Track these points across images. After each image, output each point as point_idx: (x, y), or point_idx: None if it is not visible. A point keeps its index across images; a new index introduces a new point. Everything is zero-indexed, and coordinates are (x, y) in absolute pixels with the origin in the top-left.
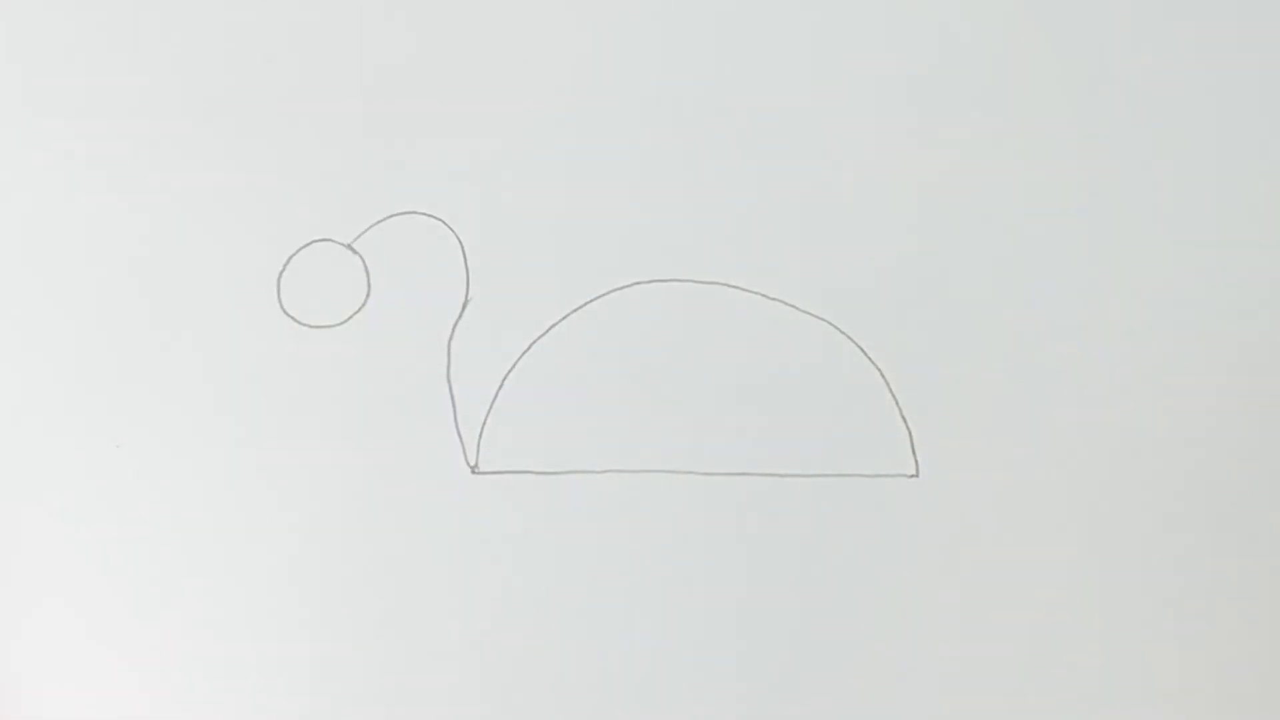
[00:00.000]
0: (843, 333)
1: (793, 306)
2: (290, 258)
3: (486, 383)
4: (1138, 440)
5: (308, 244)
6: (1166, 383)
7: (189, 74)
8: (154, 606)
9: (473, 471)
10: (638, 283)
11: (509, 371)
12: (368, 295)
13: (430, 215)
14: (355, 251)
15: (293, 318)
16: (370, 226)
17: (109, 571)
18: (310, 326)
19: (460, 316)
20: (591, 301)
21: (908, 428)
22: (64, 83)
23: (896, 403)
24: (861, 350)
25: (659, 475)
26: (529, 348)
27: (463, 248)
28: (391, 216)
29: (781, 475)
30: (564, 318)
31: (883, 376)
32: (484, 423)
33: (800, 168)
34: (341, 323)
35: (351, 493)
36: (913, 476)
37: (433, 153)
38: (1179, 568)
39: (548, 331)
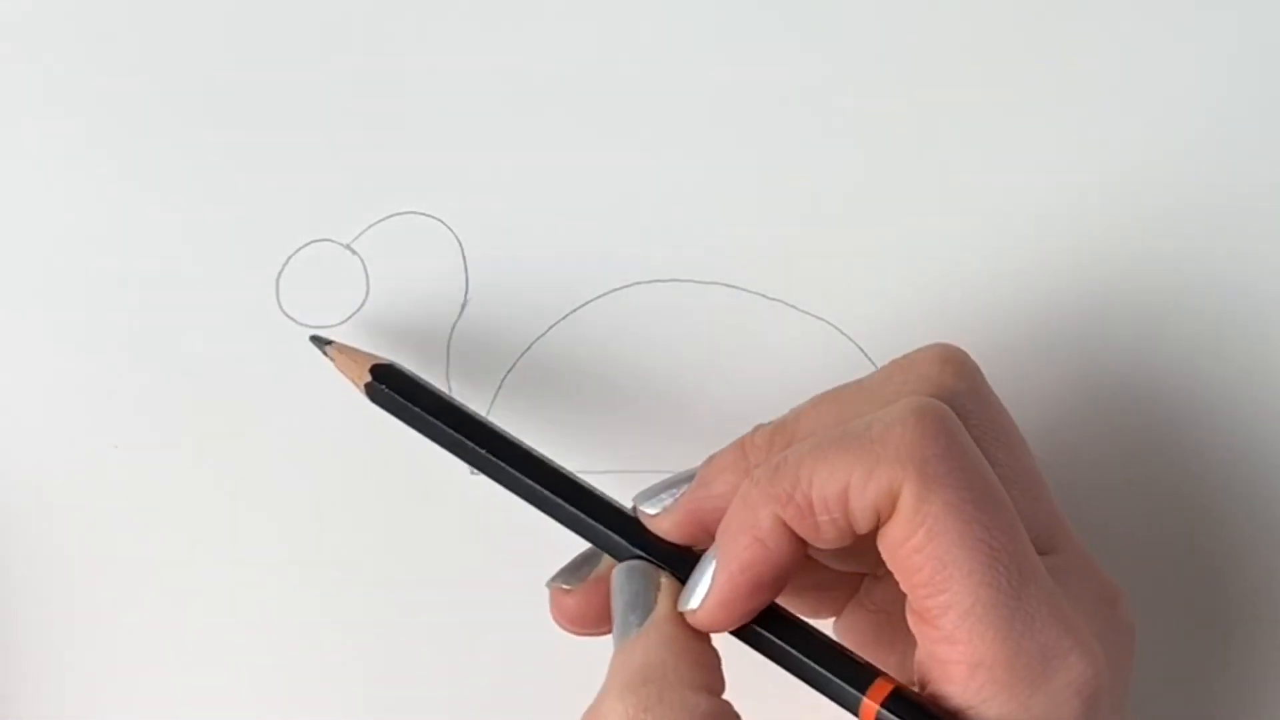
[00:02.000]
0: (843, 333)
1: (793, 306)
2: (289, 258)
3: (486, 383)
4: (1141, 441)
5: (307, 244)
6: (1171, 384)
7: (188, 73)
8: (151, 606)
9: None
10: (637, 283)
11: (509, 371)
12: (367, 295)
13: (430, 215)
14: (354, 251)
15: (292, 318)
16: (370, 226)
17: (106, 571)
18: (309, 326)
19: (460, 316)
20: (591, 301)
21: None
22: (62, 81)
23: None
24: (861, 350)
25: (659, 475)
26: (529, 348)
27: (462, 248)
28: (391, 216)
29: None
30: (564, 318)
31: None
32: None
33: (801, 167)
34: (341, 323)
35: (350, 492)
36: None
37: (433, 153)
38: (1181, 568)
39: (548, 331)
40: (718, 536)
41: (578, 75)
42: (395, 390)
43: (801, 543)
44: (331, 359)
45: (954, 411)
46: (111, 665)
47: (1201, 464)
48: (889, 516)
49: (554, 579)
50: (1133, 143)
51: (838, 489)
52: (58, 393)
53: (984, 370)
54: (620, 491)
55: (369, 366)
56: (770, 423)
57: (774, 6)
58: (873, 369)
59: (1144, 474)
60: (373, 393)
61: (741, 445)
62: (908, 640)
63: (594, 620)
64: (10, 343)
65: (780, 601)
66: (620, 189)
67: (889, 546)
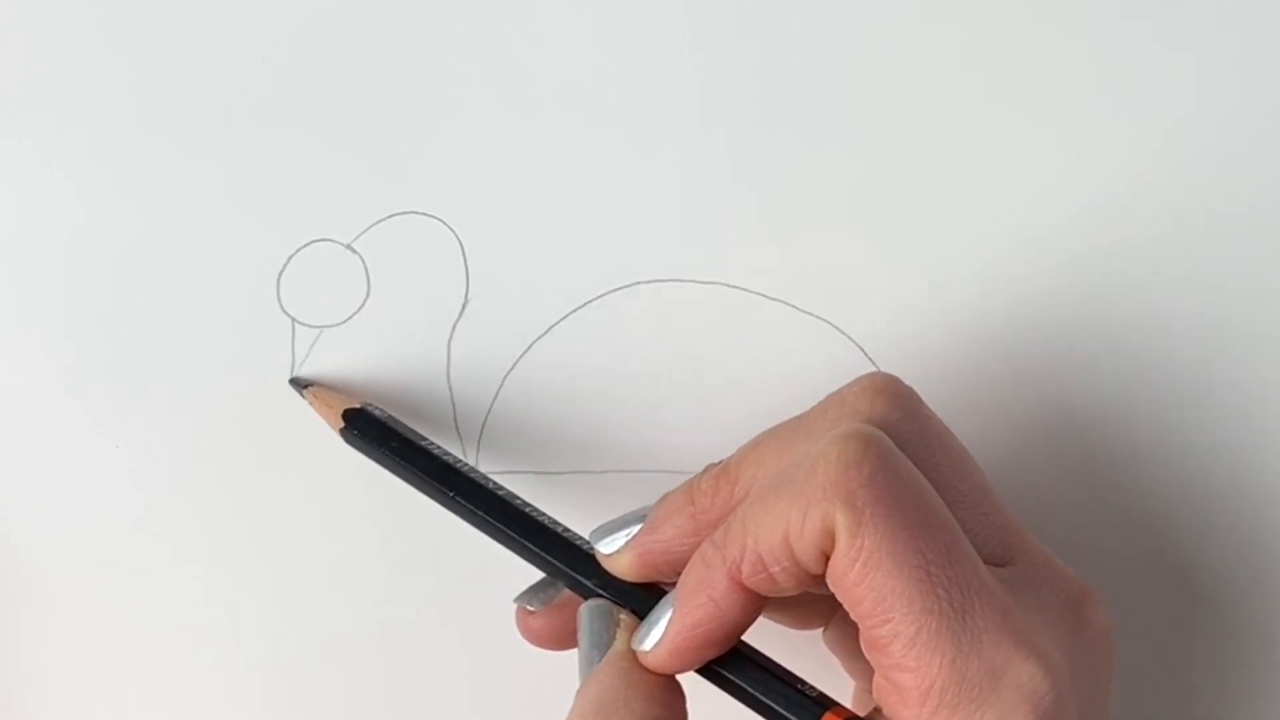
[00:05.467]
0: (843, 333)
1: (793, 306)
2: (289, 257)
3: (486, 383)
4: (1141, 442)
5: (307, 244)
6: (1171, 386)
7: (188, 73)
8: (151, 607)
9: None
10: (638, 282)
11: (509, 371)
12: (367, 295)
13: (430, 215)
14: (355, 251)
15: (292, 317)
16: (370, 226)
17: (107, 571)
18: (310, 326)
19: (460, 316)
20: (591, 301)
21: None
22: (62, 81)
23: None
24: (861, 350)
25: (659, 475)
26: (529, 348)
27: (463, 248)
28: (391, 216)
29: None
30: (564, 317)
31: None
32: (484, 423)
33: (801, 167)
34: (341, 323)
35: (350, 492)
36: None
37: (433, 153)
38: (1182, 569)
39: (548, 331)
40: (677, 589)
41: (578, 75)
42: (363, 435)
43: (759, 600)
44: (309, 403)
45: (891, 440)
46: (112, 665)
47: (1181, 470)
48: (828, 551)
49: (520, 598)
50: (1135, 148)
51: (780, 538)
52: (59, 393)
53: (982, 371)
54: (619, 492)
55: (341, 410)
56: (718, 463)
57: (774, 8)
58: (873, 369)
59: (1142, 468)
60: (346, 436)
61: (690, 489)
62: None
63: (556, 640)
64: (11, 343)
65: (767, 617)
66: (620, 189)
67: (833, 581)
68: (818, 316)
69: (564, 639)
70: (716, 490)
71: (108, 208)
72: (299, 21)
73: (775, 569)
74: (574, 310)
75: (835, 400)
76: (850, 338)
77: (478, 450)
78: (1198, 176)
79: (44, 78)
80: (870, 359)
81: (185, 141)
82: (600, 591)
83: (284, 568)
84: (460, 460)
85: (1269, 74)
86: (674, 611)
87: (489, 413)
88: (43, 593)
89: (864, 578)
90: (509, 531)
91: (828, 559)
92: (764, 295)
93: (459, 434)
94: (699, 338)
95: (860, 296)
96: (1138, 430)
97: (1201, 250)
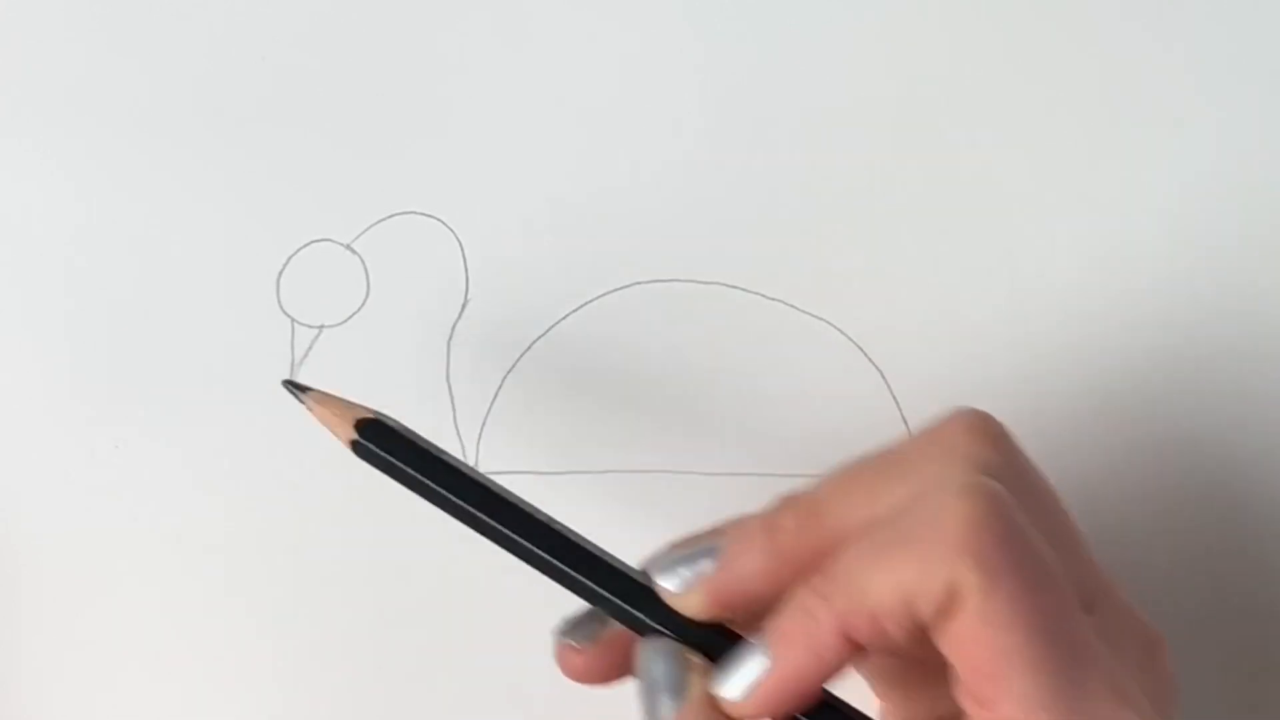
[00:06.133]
0: (843, 333)
1: (793, 306)
2: (289, 258)
3: (486, 383)
4: (1140, 441)
5: (307, 244)
6: (1171, 387)
7: (188, 73)
8: (151, 607)
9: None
10: (638, 283)
11: (509, 371)
12: (367, 295)
13: (430, 215)
14: (355, 251)
15: (292, 317)
16: (370, 226)
17: (107, 570)
18: (310, 326)
19: (460, 316)
20: (591, 301)
21: (908, 428)
22: (62, 81)
23: (897, 403)
24: (861, 350)
25: (659, 475)
26: (529, 348)
27: (462, 248)
28: (391, 216)
29: (781, 475)
30: (564, 318)
31: (883, 377)
32: (484, 423)
33: (801, 167)
34: (341, 323)
35: (351, 493)
36: None
37: (433, 153)
38: (1183, 570)
39: (548, 331)
40: (770, 635)
41: (578, 75)
42: (381, 448)
43: (863, 652)
44: (310, 409)
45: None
46: (111, 665)
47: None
48: (951, 610)
49: (564, 634)
50: (1135, 148)
51: (898, 596)
52: (59, 392)
53: (982, 370)
54: (619, 492)
55: (354, 421)
56: (793, 496)
57: (774, 8)
58: (872, 369)
59: (1142, 468)
60: (358, 449)
61: (769, 525)
62: (926, 683)
63: (600, 676)
64: (11, 343)
65: None
66: (620, 189)
67: (949, 639)
68: (818, 316)
69: (608, 673)
70: (802, 528)
71: (107, 207)
72: (299, 21)
73: (890, 625)
74: (574, 310)
75: (930, 438)
76: (850, 338)
77: (477, 450)
78: (1197, 176)
79: (44, 78)
80: (870, 359)
81: (185, 141)
82: (661, 629)
83: (284, 568)
84: (490, 479)
85: (1269, 74)
86: (771, 660)
87: (489, 413)
88: (43, 593)
89: (988, 637)
90: (557, 563)
91: (943, 617)
92: (764, 295)
93: (459, 434)
94: (699, 338)
95: (860, 296)
96: (1137, 430)
97: (1202, 249)
